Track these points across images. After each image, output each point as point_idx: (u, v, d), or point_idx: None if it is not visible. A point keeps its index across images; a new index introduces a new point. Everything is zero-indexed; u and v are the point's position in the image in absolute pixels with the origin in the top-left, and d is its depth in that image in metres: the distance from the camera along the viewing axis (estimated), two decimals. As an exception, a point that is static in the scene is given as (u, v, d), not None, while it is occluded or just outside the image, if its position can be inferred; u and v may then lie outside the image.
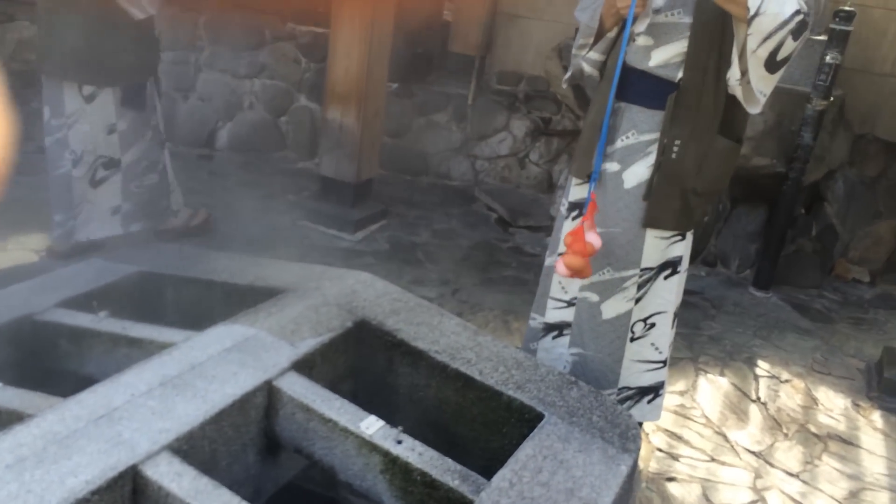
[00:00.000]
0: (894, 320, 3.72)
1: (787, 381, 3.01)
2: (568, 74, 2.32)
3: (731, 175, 2.17)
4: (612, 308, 2.22)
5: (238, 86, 4.95)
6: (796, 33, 1.81)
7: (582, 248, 2.04)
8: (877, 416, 2.84)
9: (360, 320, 2.04)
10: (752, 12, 1.79)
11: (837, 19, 3.44)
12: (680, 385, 2.87)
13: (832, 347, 3.35)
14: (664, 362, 2.28)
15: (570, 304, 2.32)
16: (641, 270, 2.17)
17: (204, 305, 2.22)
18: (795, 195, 3.76)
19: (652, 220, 2.12)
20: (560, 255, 2.16)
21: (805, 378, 3.04)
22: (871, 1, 4.23)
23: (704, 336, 3.30)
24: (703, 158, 2.05)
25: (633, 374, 2.27)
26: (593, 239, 2.05)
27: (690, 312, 3.50)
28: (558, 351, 2.37)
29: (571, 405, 1.89)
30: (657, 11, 2.00)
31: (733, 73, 1.93)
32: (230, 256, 2.40)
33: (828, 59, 3.48)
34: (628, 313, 2.21)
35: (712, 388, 2.88)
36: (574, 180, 2.29)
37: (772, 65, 1.87)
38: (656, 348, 2.25)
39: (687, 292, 3.70)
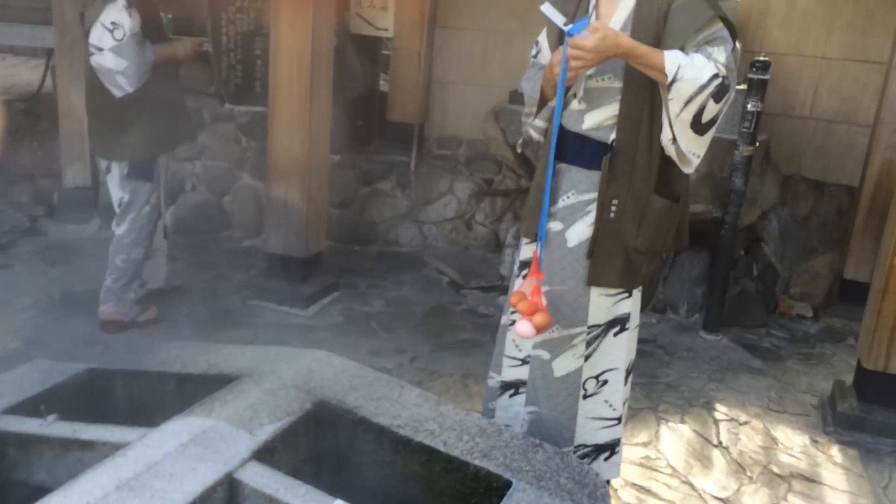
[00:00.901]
0: (840, 353, 3.82)
1: (745, 422, 3.05)
2: (520, 140, 2.40)
3: (673, 233, 2.21)
4: (562, 366, 2.24)
5: (179, 168, 4.92)
6: (717, 96, 1.88)
7: (540, 306, 2.07)
8: (835, 451, 2.89)
9: (320, 401, 2.01)
10: (669, 78, 1.86)
11: (754, 69, 3.62)
12: (643, 436, 2.89)
13: (785, 385, 3.42)
14: (619, 419, 2.30)
15: (524, 361, 2.34)
16: (589, 328, 2.20)
17: (157, 399, 2.17)
18: (733, 238, 3.88)
19: (595, 278, 2.16)
20: (514, 315, 2.19)
21: (763, 418, 3.09)
22: (784, 49, 4.48)
23: (662, 384, 3.34)
24: (642, 217, 2.11)
25: (589, 432, 2.28)
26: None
27: (646, 361, 3.55)
28: (515, 409, 2.38)
29: (538, 469, 1.89)
30: (589, 77, 2.09)
31: (665, 135, 2.00)
32: (181, 345, 2.36)
33: (749, 107, 3.65)
34: (578, 370, 2.23)
35: (675, 437, 2.91)
36: (524, 240, 2.34)
37: (699, 127, 1.93)
38: (610, 405, 2.27)
39: (641, 341, 3.75)
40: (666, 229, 2.16)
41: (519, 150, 2.46)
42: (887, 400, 3.04)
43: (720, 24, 1.95)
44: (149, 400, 2.19)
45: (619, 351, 2.24)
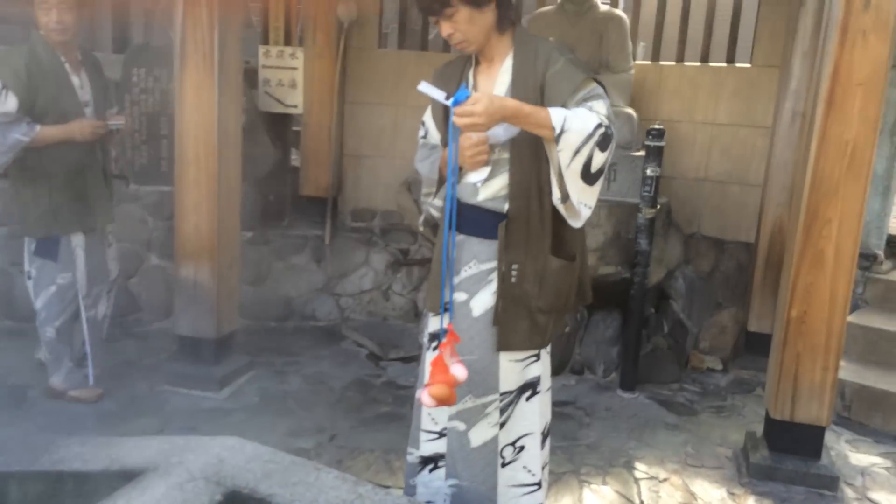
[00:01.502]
0: (750, 403, 3.95)
1: (665, 479, 3.09)
2: (421, 219, 2.45)
3: (574, 290, 2.27)
4: (478, 435, 2.24)
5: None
6: (602, 145, 1.97)
7: (445, 378, 2.05)
8: (751, 503, 2.96)
9: (231, 491, 1.93)
10: (557, 131, 1.94)
11: (650, 136, 3.81)
12: (566, 500, 2.89)
13: (700, 438, 3.49)
14: (538, 484, 2.30)
15: (441, 434, 2.32)
16: (501, 395, 2.21)
17: (55, 501, 2.03)
18: (643, 297, 4.01)
19: (505, 343, 2.19)
20: (425, 385, 2.18)
21: (681, 474, 3.14)
22: (677, 116, 4.74)
23: (583, 445, 3.36)
24: (542, 278, 2.16)
25: (511, 500, 2.27)
26: (457, 370, 2.08)
27: (566, 423, 3.57)
28: (436, 484, 2.34)
29: (460, 546, 1.85)
30: None
31: (555, 195, 2.08)
32: (81, 441, 2.23)
33: (648, 171, 3.82)
34: (495, 439, 2.24)
35: (597, 499, 2.91)
36: (430, 314, 2.35)
37: (588, 177, 2.01)
38: (529, 471, 2.28)
39: (560, 403, 3.80)
40: (566, 287, 2.22)
41: (421, 229, 2.50)
42: (796, 448, 3.14)
43: (594, 84, 2.08)
44: (46, 503, 2.05)
45: (533, 415, 2.25)
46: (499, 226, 2.15)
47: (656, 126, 3.85)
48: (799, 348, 3.06)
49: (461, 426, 2.25)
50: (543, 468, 2.34)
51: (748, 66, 4.64)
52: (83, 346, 3.57)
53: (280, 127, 5.18)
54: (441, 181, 2.28)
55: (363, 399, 3.78)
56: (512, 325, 2.17)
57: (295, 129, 5.36)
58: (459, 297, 2.22)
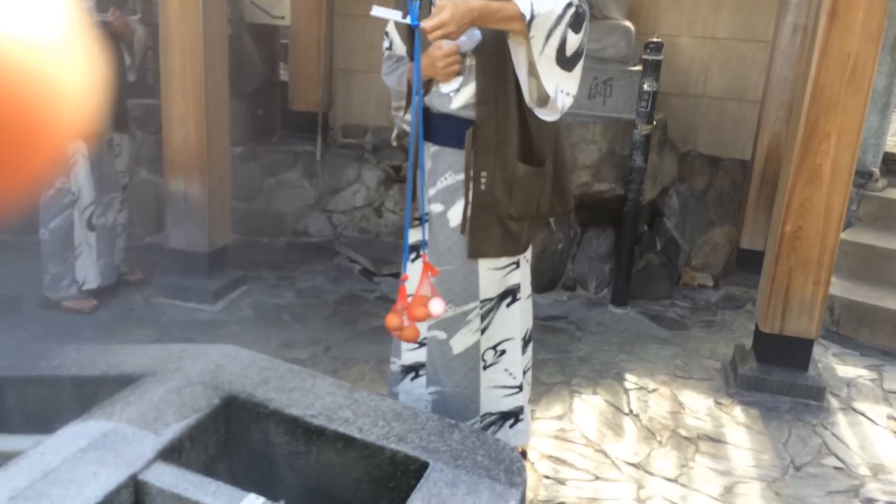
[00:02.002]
0: (740, 319, 4.00)
1: (654, 390, 3.15)
2: (394, 134, 2.40)
3: (547, 198, 2.24)
4: (460, 342, 2.26)
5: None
6: (575, 25, 1.91)
7: (421, 313, 2.00)
8: (738, 412, 3.03)
9: (228, 395, 1.95)
10: (528, 16, 1.86)
11: (648, 50, 3.72)
12: (557, 409, 2.94)
13: (689, 352, 3.55)
14: (519, 387, 2.35)
15: (421, 344, 2.35)
16: (481, 302, 2.23)
17: (53, 405, 2.05)
18: (636, 214, 4.00)
19: (476, 250, 2.18)
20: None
21: (670, 385, 3.20)
22: (676, 30, 4.63)
23: (574, 358, 3.41)
24: (511, 185, 2.14)
25: (493, 400, 2.32)
26: (435, 305, 2.02)
27: (558, 337, 3.62)
28: (417, 392, 2.39)
29: (455, 449, 1.89)
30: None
31: (527, 96, 2.02)
32: (77, 348, 2.24)
33: (645, 87, 3.76)
34: (476, 344, 2.27)
35: (588, 408, 2.97)
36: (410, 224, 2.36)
37: (564, 61, 1.94)
38: (510, 374, 2.32)
39: (552, 317, 3.84)
40: (536, 194, 2.20)
41: (394, 144, 2.46)
42: (784, 360, 3.20)
43: None
44: (44, 407, 2.07)
45: (514, 320, 2.28)
46: (466, 133, 2.12)
47: (654, 39, 3.76)
48: (791, 263, 3.08)
49: (442, 335, 2.27)
50: (525, 373, 2.38)
51: (751, -23, 4.51)
52: (86, 252, 3.56)
53: (267, 39, 5.04)
54: (409, 94, 2.22)
55: (357, 312, 3.80)
56: (483, 232, 2.16)
57: (283, 41, 5.22)
58: (436, 208, 2.21)
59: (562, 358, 3.40)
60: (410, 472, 1.83)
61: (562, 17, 1.88)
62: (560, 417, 2.89)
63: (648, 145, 3.88)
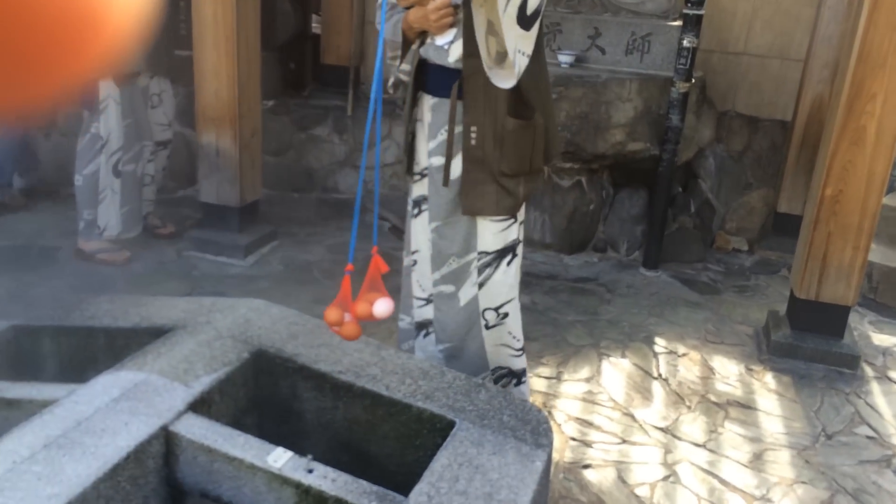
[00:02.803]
0: (774, 284, 3.93)
1: (684, 354, 3.12)
2: (391, 82, 2.33)
3: (540, 152, 2.18)
4: (464, 294, 2.25)
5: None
6: None
7: (364, 311, 1.85)
8: (769, 378, 2.99)
9: (257, 350, 1.96)
10: None
11: (689, 4, 3.60)
12: (584, 372, 2.93)
13: (721, 317, 3.50)
14: (523, 349, 2.35)
15: (428, 301, 2.34)
16: (479, 254, 2.20)
17: (86, 355, 2.08)
18: (671, 175, 3.92)
19: (470, 207, 2.15)
20: (414, 255, 2.28)
21: (700, 349, 3.17)
22: (719, -15, 4.48)
23: (603, 321, 3.38)
24: (501, 141, 2.09)
25: (502, 357, 2.31)
26: (380, 306, 1.86)
27: (587, 299, 3.59)
28: (430, 349, 2.38)
29: (481, 408, 1.89)
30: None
31: (485, 61, 1.93)
32: (110, 298, 2.26)
33: (685, 42, 3.65)
34: (475, 298, 2.25)
35: (616, 371, 2.96)
36: (410, 179, 2.32)
37: (524, 20, 1.87)
38: (513, 336, 2.31)
39: (581, 279, 3.81)
40: (528, 149, 2.14)
41: (392, 92, 2.40)
42: (819, 327, 3.14)
43: None
44: (77, 356, 2.10)
45: (514, 279, 2.26)
46: (452, 86, 2.07)
47: (697, -7, 3.63)
48: (831, 227, 3.00)
49: (449, 288, 2.25)
50: (521, 333, 2.37)
51: (800, -71, 4.32)
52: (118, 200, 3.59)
53: (301, -8, 4.97)
54: (406, 43, 2.17)
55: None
56: (479, 188, 2.13)
57: (316, -7, 5.15)
58: (436, 160, 2.18)
59: (590, 320, 3.37)
60: (437, 430, 1.83)
61: None
62: (588, 380, 2.87)
63: (686, 104, 3.79)
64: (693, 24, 3.62)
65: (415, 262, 2.38)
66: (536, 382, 2.83)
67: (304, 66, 5.06)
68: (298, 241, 4.07)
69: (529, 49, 1.94)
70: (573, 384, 2.83)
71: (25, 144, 4.36)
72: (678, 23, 3.86)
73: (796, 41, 4.42)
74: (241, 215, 3.79)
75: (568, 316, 3.39)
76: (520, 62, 1.93)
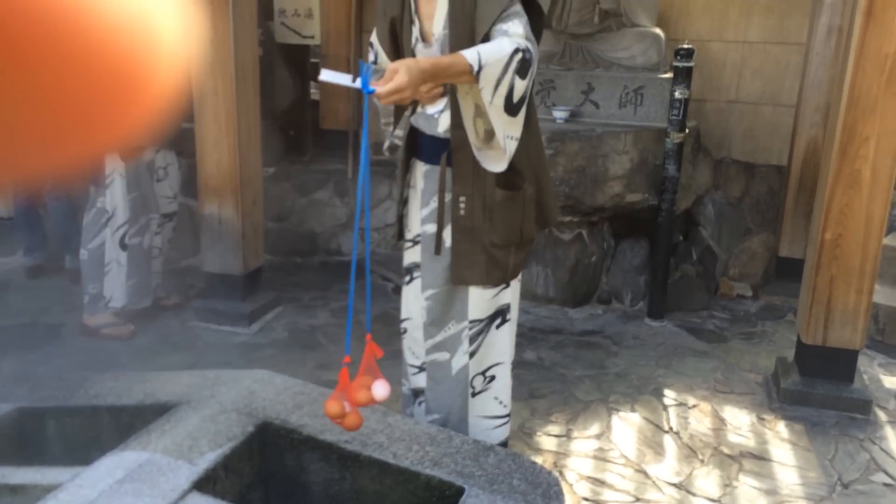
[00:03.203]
0: (781, 330, 3.91)
1: (694, 405, 3.09)
2: (385, 144, 2.37)
3: (530, 221, 2.17)
4: (457, 363, 2.24)
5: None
6: (521, 71, 1.86)
7: (364, 398, 1.84)
8: (782, 427, 2.95)
9: (262, 422, 1.96)
10: (476, 68, 1.81)
11: (679, 57, 3.67)
12: (595, 428, 2.90)
13: (730, 365, 3.47)
14: (509, 416, 2.32)
15: (421, 368, 2.33)
16: (470, 322, 2.20)
17: (91, 435, 2.08)
18: (671, 224, 3.94)
19: (459, 277, 2.16)
20: (405, 323, 2.30)
21: (710, 400, 3.13)
22: (707, 35, 4.57)
23: (611, 374, 3.35)
24: (491, 211, 2.10)
25: (483, 432, 2.27)
26: (378, 389, 1.87)
27: (594, 352, 3.57)
28: (422, 420, 2.35)
29: (490, 473, 1.87)
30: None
31: (473, 143, 1.99)
32: (115, 376, 2.26)
33: (677, 94, 3.70)
34: (466, 367, 2.24)
35: (626, 426, 2.92)
36: (406, 244, 2.34)
37: (511, 108, 1.90)
38: (500, 402, 2.28)
39: (587, 332, 3.79)
40: (518, 220, 2.14)
41: (388, 155, 2.44)
42: (828, 373, 3.11)
43: (517, 4, 1.96)
44: (82, 436, 2.09)
45: (504, 344, 2.24)
46: (441, 156, 2.09)
47: (685, 46, 3.70)
48: (833, 272, 3.00)
49: (444, 356, 2.24)
50: (509, 399, 2.35)
51: (782, -21, 4.43)
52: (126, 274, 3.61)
53: (298, 59, 5.09)
54: (399, 110, 2.20)
55: (390, 332, 3.79)
56: (467, 259, 2.13)
57: (313, 60, 5.27)
58: (429, 228, 2.20)
59: (598, 374, 3.35)
60: (446, 497, 1.81)
61: (509, 65, 1.84)
62: (598, 437, 2.84)
63: (681, 154, 3.83)
64: (684, 76, 3.69)
65: (405, 330, 2.38)
66: (546, 441, 2.80)
67: (304, 131, 5.15)
68: (302, 306, 4.07)
69: (518, 133, 1.97)
70: (583, 441, 2.80)
71: (34, 221, 4.40)
72: (669, 75, 3.93)
73: (787, 87, 4.49)
74: (244, 283, 3.80)
75: (575, 371, 3.37)
76: (510, 147, 1.96)
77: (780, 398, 3.11)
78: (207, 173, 3.71)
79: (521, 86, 1.88)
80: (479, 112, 1.95)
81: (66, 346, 3.52)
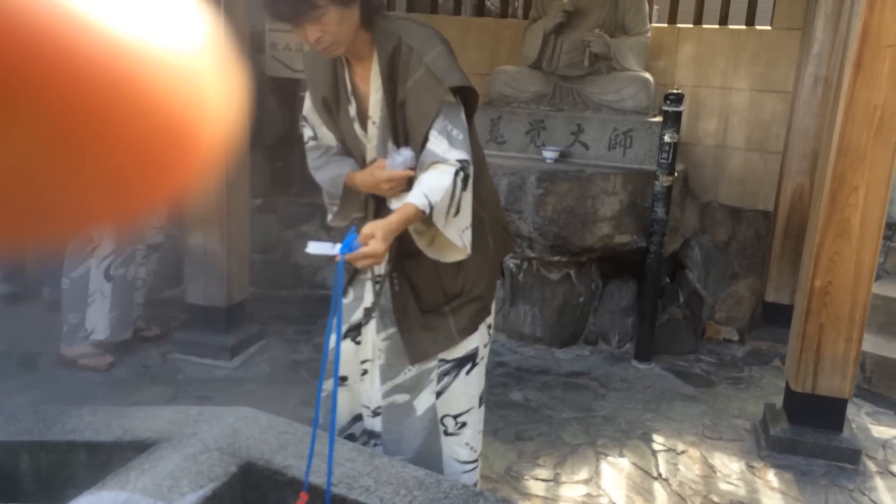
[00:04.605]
0: (768, 375, 3.89)
1: (683, 451, 3.05)
2: (329, 218, 2.29)
3: (453, 279, 2.13)
4: (422, 403, 2.19)
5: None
6: (464, 185, 1.91)
7: None
8: (771, 476, 2.91)
9: (245, 463, 1.89)
10: (428, 211, 1.85)
11: (668, 102, 3.70)
12: (583, 473, 2.85)
13: (717, 410, 3.44)
14: (477, 461, 2.28)
15: (375, 413, 2.26)
16: (439, 361, 2.16)
17: (67, 472, 2.00)
18: (659, 266, 3.93)
19: (413, 356, 2.14)
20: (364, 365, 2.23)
21: (699, 446, 3.10)
22: (693, 81, 4.63)
23: (598, 417, 3.31)
24: (412, 277, 2.11)
25: (454, 475, 2.22)
26: None
27: (581, 394, 3.53)
28: None
29: (480, 520, 1.81)
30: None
31: (421, 246, 2.04)
32: (92, 410, 2.19)
33: (666, 138, 3.73)
34: (433, 407, 2.19)
35: (615, 472, 2.87)
36: (350, 295, 2.30)
37: (457, 213, 1.95)
38: (471, 447, 2.24)
39: (574, 374, 3.76)
40: (436, 281, 2.12)
41: (332, 224, 2.37)
42: (817, 421, 3.09)
43: (452, 100, 1.94)
44: (58, 473, 2.01)
45: (473, 388, 2.20)
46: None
47: (674, 91, 3.74)
48: (822, 319, 2.99)
49: (403, 398, 2.19)
50: (480, 444, 2.30)
51: (769, 28, 4.51)
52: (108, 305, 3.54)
53: (287, 93, 5.08)
54: (348, 198, 2.14)
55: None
56: (411, 335, 2.12)
57: (302, 94, 5.26)
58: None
59: (586, 417, 3.31)
60: (434, 545, 1.75)
61: (454, 190, 1.88)
62: (587, 482, 2.79)
63: (670, 197, 3.84)
64: (673, 121, 3.72)
65: (365, 371, 2.27)
66: (534, 485, 2.74)
67: (293, 164, 5.12)
68: (286, 340, 4.01)
69: (469, 219, 2.00)
70: (572, 486, 2.74)
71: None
72: (658, 119, 3.96)
73: (773, 134, 4.54)
74: (227, 316, 3.74)
75: (562, 413, 3.32)
76: (466, 238, 2.00)
77: (769, 445, 3.08)
78: (193, 203, 3.66)
79: (466, 196, 1.93)
80: (438, 240, 2.01)
81: (42, 376, 3.42)
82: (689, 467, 2.93)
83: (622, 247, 4.03)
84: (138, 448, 1.96)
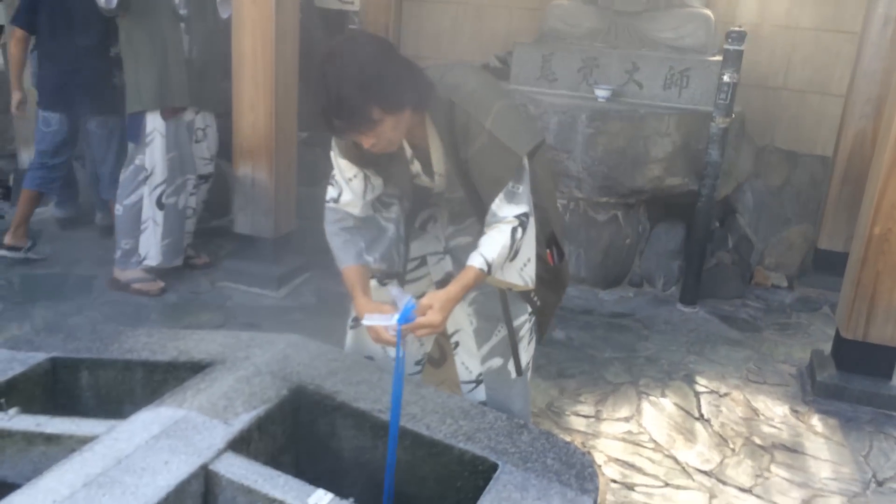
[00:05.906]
0: (816, 322, 3.83)
1: (726, 394, 3.04)
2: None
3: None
4: (523, 359, 2.20)
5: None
6: (524, 231, 1.88)
7: None
8: (815, 421, 2.89)
9: (296, 386, 1.93)
10: (486, 269, 1.84)
11: (730, 40, 3.57)
12: (625, 411, 2.86)
13: (763, 355, 3.41)
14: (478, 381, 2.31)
15: (477, 381, 2.27)
16: (529, 315, 2.19)
17: (125, 388, 2.07)
18: (709, 210, 3.85)
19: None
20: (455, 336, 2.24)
21: (743, 389, 3.08)
22: (757, 19, 4.45)
23: (641, 358, 3.31)
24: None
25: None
26: None
27: (624, 335, 3.52)
28: None
29: (524, 451, 1.84)
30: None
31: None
32: (148, 331, 2.25)
33: (725, 78, 3.61)
34: (528, 365, 2.22)
35: (656, 411, 2.88)
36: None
37: (514, 258, 1.94)
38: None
39: (618, 315, 3.75)
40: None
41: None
42: (866, 369, 3.04)
43: (524, 158, 1.88)
44: (116, 390, 2.09)
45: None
46: None
47: (736, 28, 3.60)
48: (879, 267, 2.92)
49: (498, 361, 2.19)
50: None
51: (839, -36, 4.29)
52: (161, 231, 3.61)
53: (337, 25, 5.02)
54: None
55: (419, 303, 3.77)
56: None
57: (352, 27, 5.20)
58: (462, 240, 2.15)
59: (628, 357, 3.31)
60: (479, 472, 1.78)
61: (512, 245, 1.87)
62: (627, 419, 2.80)
63: (726, 139, 3.73)
64: (734, 60, 3.58)
65: (457, 344, 2.27)
66: (575, 421, 2.77)
67: (339, 98, 5.10)
68: (332, 273, 4.02)
69: (529, 251, 1.98)
70: (613, 424, 2.76)
71: (68, 173, 4.41)
72: (717, 58, 3.83)
73: (836, 76, 4.37)
74: (275, 247, 3.79)
75: (605, 353, 3.33)
76: (529, 274, 2.00)
77: (814, 391, 3.05)
78: (242, 135, 3.68)
79: (526, 239, 1.92)
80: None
81: (96, 298, 3.53)
82: (732, 409, 2.92)
83: (672, 189, 3.96)
84: (193, 369, 2.01)
